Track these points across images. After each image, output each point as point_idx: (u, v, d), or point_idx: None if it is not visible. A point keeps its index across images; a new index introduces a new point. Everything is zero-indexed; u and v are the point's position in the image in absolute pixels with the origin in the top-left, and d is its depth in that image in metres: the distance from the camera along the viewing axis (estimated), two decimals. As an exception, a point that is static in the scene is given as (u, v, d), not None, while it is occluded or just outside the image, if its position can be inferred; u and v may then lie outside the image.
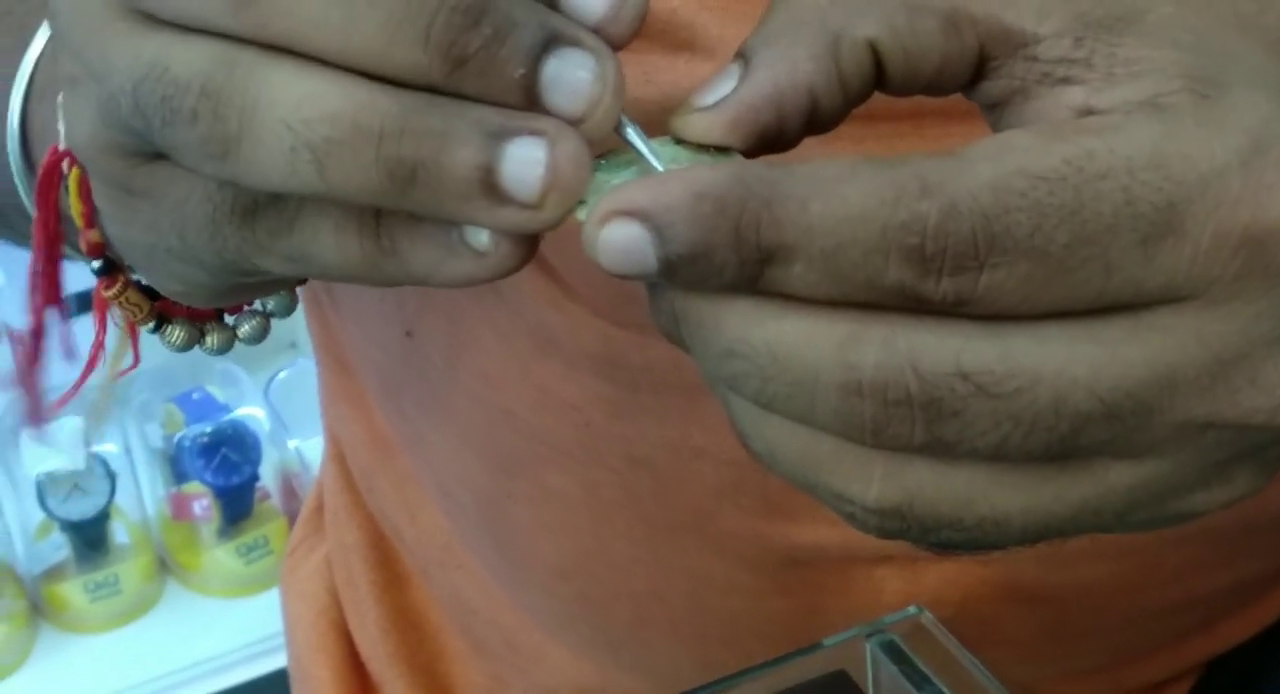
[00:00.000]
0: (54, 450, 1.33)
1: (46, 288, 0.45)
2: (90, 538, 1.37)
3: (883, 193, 0.32)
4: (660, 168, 0.35)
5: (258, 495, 1.40)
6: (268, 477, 1.41)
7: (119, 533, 1.39)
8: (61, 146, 0.41)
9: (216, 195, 0.37)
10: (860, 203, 0.32)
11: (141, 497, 1.40)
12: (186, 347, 0.46)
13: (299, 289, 0.47)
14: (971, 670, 0.46)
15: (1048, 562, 0.57)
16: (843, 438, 0.34)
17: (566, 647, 0.64)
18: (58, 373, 0.48)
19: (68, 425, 1.34)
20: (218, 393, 1.43)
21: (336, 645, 0.71)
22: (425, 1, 0.33)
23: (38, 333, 0.46)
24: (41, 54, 0.45)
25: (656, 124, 0.36)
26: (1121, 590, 0.59)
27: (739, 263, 0.32)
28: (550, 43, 0.33)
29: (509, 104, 0.33)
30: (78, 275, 0.46)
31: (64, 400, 0.48)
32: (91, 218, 0.42)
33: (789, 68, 0.35)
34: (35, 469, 1.34)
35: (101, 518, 1.36)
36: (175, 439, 1.39)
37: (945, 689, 0.46)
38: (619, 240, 0.33)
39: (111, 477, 1.35)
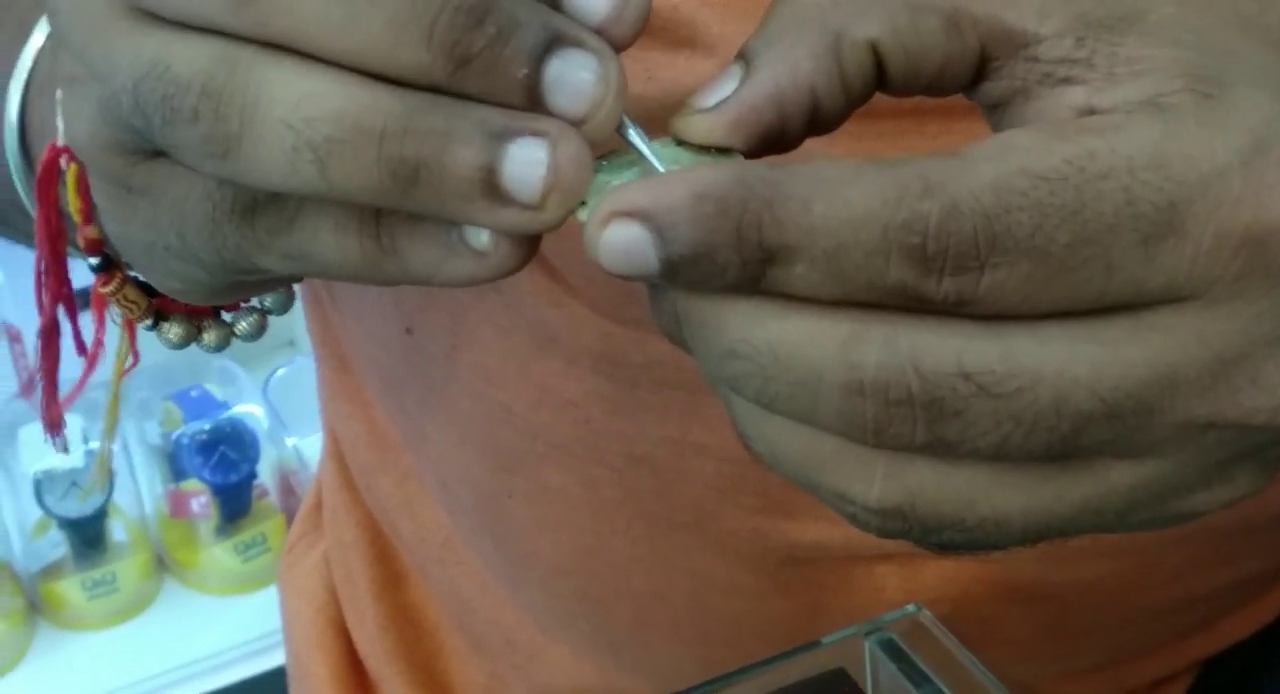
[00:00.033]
0: (51, 448, 1.33)
1: (54, 285, 0.45)
2: (88, 535, 1.37)
3: (884, 193, 0.32)
4: (662, 169, 0.35)
5: (256, 493, 1.40)
6: (266, 474, 1.41)
7: (117, 531, 1.39)
8: (60, 143, 0.41)
9: (216, 193, 0.37)
10: (862, 203, 0.32)
11: (139, 494, 1.40)
12: (184, 343, 0.46)
13: (298, 287, 0.47)
14: (970, 669, 0.46)
15: (1047, 560, 0.57)
16: (845, 438, 0.34)
17: (566, 645, 0.64)
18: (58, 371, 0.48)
19: (66, 423, 1.34)
20: (216, 390, 1.43)
21: (335, 643, 0.71)
22: (429, 1, 0.33)
23: (50, 331, 0.46)
24: (41, 50, 0.45)
25: (658, 121, 0.36)
26: (1121, 589, 0.59)
27: (741, 263, 0.32)
28: (553, 43, 0.33)
29: (511, 104, 0.33)
30: (75, 273, 0.46)
31: (69, 400, 0.48)
32: (89, 214, 0.42)
33: (790, 68, 0.35)
34: (33, 467, 1.34)
35: (99, 515, 1.36)
36: (173, 437, 1.39)
37: (944, 688, 0.46)
38: (620, 241, 0.33)
39: (110, 475, 1.35)
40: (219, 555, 1.39)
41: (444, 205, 0.34)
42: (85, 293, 0.45)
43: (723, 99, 0.35)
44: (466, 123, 0.33)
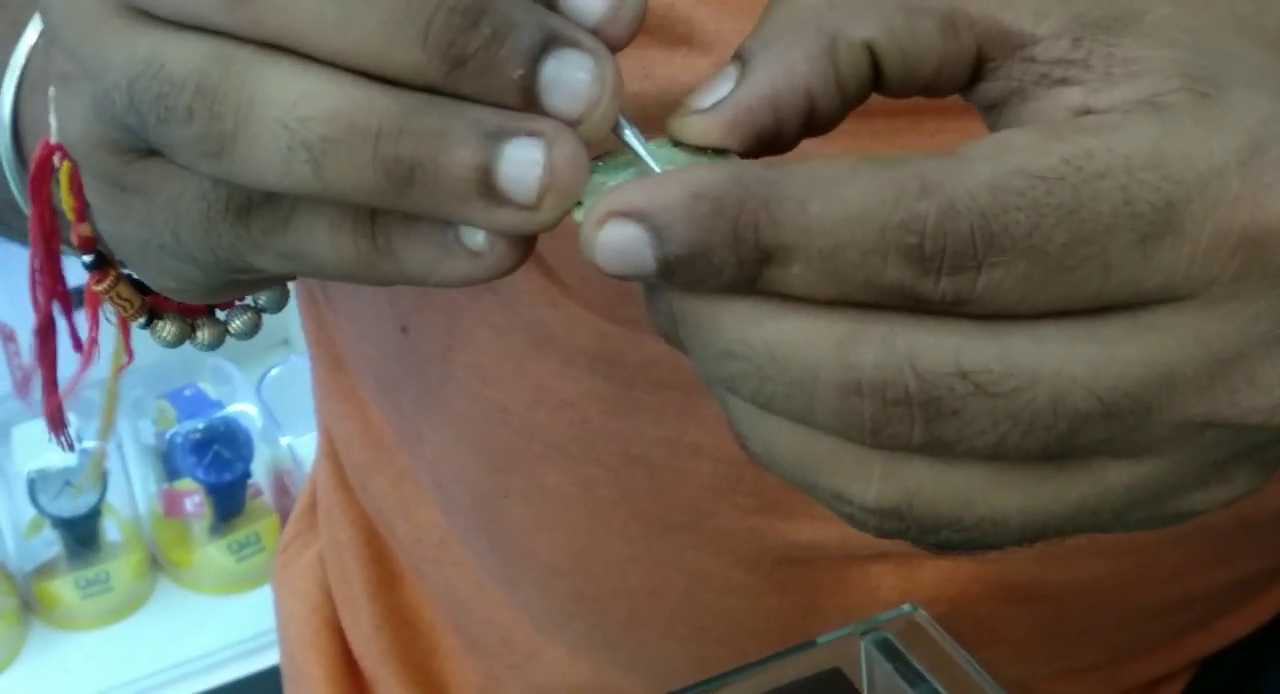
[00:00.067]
0: (45, 447, 1.33)
1: (48, 282, 0.45)
2: (81, 535, 1.37)
3: (881, 193, 0.32)
4: (658, 169, 0.35)
5: (249, 492, 1.40)
6: (259, 473, 1.41)
7: (110, 530, 1.39)
8: (53, 141, 0.41)
9: (211, 193, 0.37)
10: (859, 203, 0.32)
11: (133, 493, 1.40)
12: (178, 342, 0.46)
13: (292, 286, 0.47)
14: (966, 669, 0.46)
15: (1044, 560, 0.57)
16: (842, 438, 0.34)
17: (562, 645, 0.64)
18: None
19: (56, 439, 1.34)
20: (210, 389, 1.43)
21: (329, 643, 0.71)
22: (424, 1, 0.32)
23: (45, 328, 0.46)
24: (34, 47, 0.45)
25: (655, 119, 0.36)
26: (1118, 589, 0.59)
27: (737, 263, 0.32)
28: (549, 44, 0.33)
29: (507, 105, 0.33)
30: (69, 271, 0.46)
31: (65, 394, 0.48)
32: (83, 212, 0.42)
33: (786, 70, 0.35)
34: (27, 466, 1.34)
35: (93, 515, 1.36)
36: (167, 436, 1.39)
37: (939, 687, 0.46)
38: (617, 241, 0.33)
39: (103, 474, 1.35)
40: (213, 555, 1.39)
41: (439, 206, 0.34)
42: (79, 291, 0.45)
43: (719, 100, 0.35)
44: (462, 123, 0.33)
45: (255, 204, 0.36)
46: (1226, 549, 0.59)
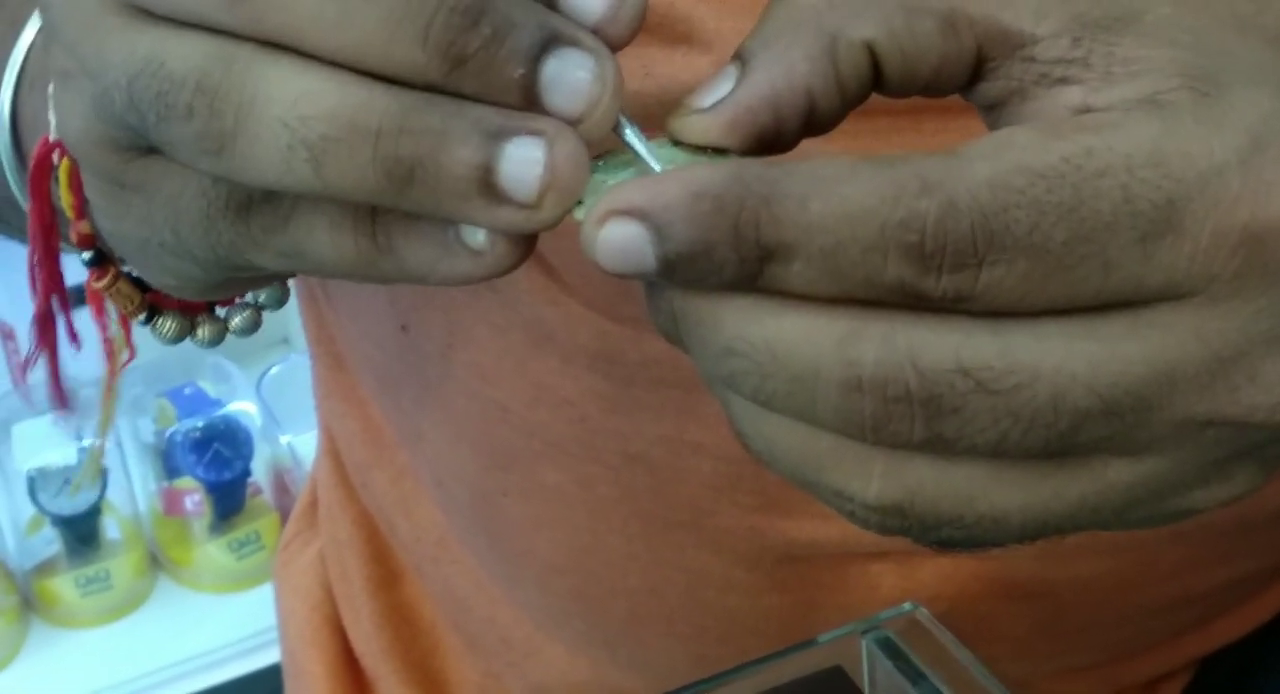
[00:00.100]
0: (45, 445, 1.33)
1: (46, 279, 0.45)
2: (81, 533, 1.37)
3: (882, 191, 0.32)
4: (658, 168, 0.35)
5: (249, 491, 1.40)
6: (259, 472, 1.41)
7: (110, 528, 1.39)
8: (52, 138, 0.41)
9: (211, 190, 0.37)
10: (859, 201, 0.32)
11: (133, 492, 1.40)
12: (178, 339, 0.46)
13: (292, 283, 0.47)
14: (967, 667, 0.46)
15: (1044, 558, 0.57)
16: (842, 435, 0.34)
17: (561, 643, 0.64)
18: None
19: (59, 420, 1.34)
20: (209, 388, 1.43)
21: (330, 641, 0.71)
22: (424, 1, 0.32)
23: (44, 318, 0.46)
24: (32, 44, 0.45)
25: (655, 118, 0.36)
26: (1118, 587, 0.59)
27: (738, 261, 0.32)
28: (549, 43, 0.33)
29: (507, 104, 0.33)
30: (69, 270, 0.46)
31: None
32: (82, 209, 0.42)
33: (786, 69, 0.35)
34: (26, 464, 1.34)
35: (93, 513, 1.36)
36: (167, 434, 1.39)
37: (940, 685, 0.46)
38: (618, 240, 0.33)
39: (103, 472, 1.35)
40: (212, 553, 1.39)
41: (440, 204, 0.34)
42: (79, 289, 0.45)
43: (719, 100, 0.35)
44: (463, 122, 0.33)
45: (255, 202, 0.36)
46: (1227, 548, 0.59)
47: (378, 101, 0.33)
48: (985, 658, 0.46)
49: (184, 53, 0.34)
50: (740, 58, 0.36)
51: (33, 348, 0.47)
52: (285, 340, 1.57)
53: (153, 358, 1.33)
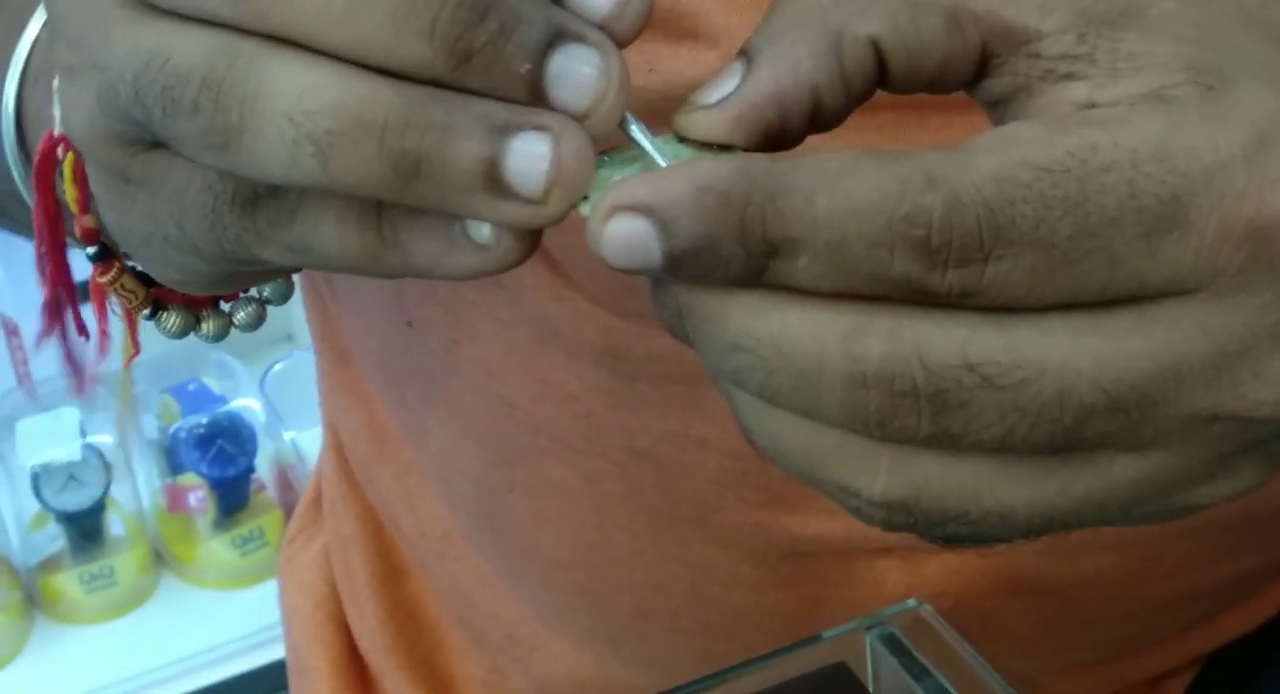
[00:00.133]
0: (49, 441, 1.33)
1: (53, 273, 0.45)
2: (86, 529, 1.37)
3: (887, 185, 0.32)
4: (663, 164, 0.35)
5: (253, 487, 1.40)
6: (263, 468, 1.41)
7: (114, 524, 1.39)
8: (57, 133, 0.41)
9: (216, 185, 0.37)
10: (865, 196, 0.32)
11: (137, 488, 1.40)
12: (182, 333, 0.46)
13: (297, 279, 0.47)
14: (971, 663, 0.46)
15: (1049, 554, 0.57)
16: (848, 431, 0.34)
17: (566, 639, 0.64)
18: (54, 364, 0.48)
19: (63, 416, 1.34)
20: (213, 384, 1.43)
21: (335, 637, 0.71)
22: None
23: (53, 306, 0.46)
24: (37, 39, 0.45)
25: (660, 113, 0.36)
26: (1123, 583, 0.59)
27: (744, 256, 0.32)
28: (556, 38, 0.33)
29: (514, 99, 0.33)
30: (74, 265, 0.46)
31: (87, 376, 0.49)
32: (86, 204, 0.42)
33: (791, 66, 0.35)
34: (30, 460, 1.34)
35: (97, 509, 1.36)
36: (171, 430, 1.39)
37: (944, 681, 0.46)
38: (623, 235, 0.33)
39: (107, 468, 1.35)
40: (216, 549, 1.39)
41: (446, 199, 0.34)
42: (84, 285, 0.45)
43: (724, 96, 0.35)
44: (468, 117, 0.33)
45: (261, 196, 0.36)
46: (1232, 543, 0.59)
47: (383, 96, 0.33)
48: (990, 654, 0.46)
49: (189, 47, 0.34)
50: (745, 54, 0.36)
51: (42, 333, 0.47)
52: (289, 336, 1.57)
53: (157, 354, 1.33)
